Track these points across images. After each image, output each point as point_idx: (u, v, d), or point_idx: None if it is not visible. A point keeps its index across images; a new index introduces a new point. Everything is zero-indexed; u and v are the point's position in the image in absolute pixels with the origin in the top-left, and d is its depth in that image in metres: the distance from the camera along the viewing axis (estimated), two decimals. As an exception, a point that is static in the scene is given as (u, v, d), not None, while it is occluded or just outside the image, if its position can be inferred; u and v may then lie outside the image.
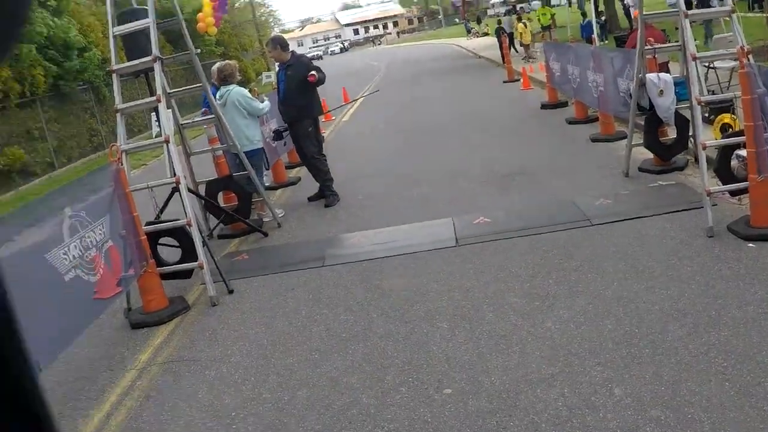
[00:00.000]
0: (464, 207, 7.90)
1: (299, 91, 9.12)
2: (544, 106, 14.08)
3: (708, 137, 7.23)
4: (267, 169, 10.53)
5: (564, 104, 13.65)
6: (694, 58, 6.60)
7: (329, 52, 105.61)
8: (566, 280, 5.55)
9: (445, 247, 6.77)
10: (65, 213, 5.31)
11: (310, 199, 9.60)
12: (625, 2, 27.05)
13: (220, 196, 8.95)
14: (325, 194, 9.35)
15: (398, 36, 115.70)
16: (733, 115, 7.63)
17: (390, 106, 19.51)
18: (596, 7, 24.19)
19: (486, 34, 48.94)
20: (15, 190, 19.66)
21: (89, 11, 27.08)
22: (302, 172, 10.90)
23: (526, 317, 5.00)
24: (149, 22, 7.23)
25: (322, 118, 11.75)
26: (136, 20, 7.34)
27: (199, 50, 8.18)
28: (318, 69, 9.15)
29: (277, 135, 10.19)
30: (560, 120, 12.38)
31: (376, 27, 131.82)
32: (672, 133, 8.31)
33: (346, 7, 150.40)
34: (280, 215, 8.93)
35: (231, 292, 6.69)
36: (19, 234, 4.85)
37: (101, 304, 5.64)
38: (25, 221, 5.34)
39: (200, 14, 22.39)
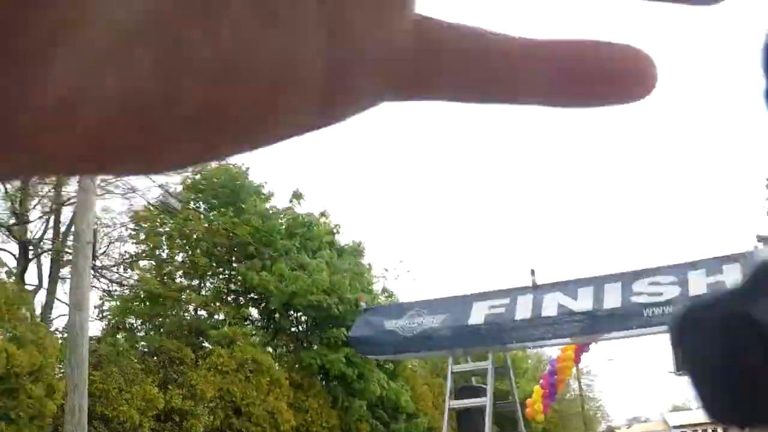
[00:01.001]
0: None
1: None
2: None
3: None
4: None
5: None
6: None
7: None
8: None
9: None
10: None
11: None
12: None
13: None
14: None
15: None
16: None
17: None
18: None
19: None
20: None
21: (423, 381, 28.79)
22: None
23: None
24: (485, 401, 7.54)
25: None
26: (475, 398, 7.70)
27: (525, 433, 8.25)
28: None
29: None
30: None
31: (705, 431, 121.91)
32: None
33: (675, 409, 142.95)
34: None
35: None
36: None
37: None
38: None
39: (529, 400, 22.74)
